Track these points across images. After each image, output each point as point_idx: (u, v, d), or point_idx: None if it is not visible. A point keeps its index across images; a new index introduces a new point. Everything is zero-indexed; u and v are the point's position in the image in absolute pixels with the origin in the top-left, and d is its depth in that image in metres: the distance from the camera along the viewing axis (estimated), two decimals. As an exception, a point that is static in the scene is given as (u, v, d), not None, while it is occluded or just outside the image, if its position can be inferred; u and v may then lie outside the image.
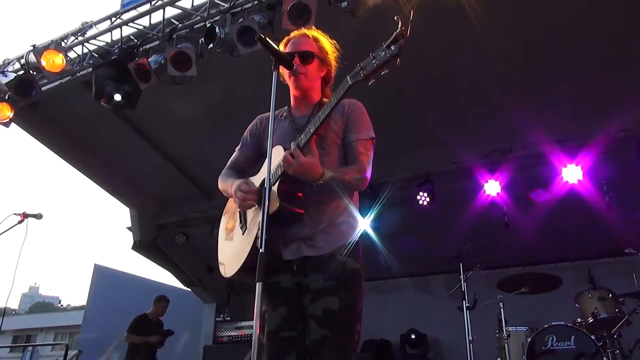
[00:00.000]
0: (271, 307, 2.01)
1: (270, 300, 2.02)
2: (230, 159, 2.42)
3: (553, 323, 4.58)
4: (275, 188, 1.97)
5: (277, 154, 2.01)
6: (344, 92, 1.87)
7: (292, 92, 2.26)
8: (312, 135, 1.93)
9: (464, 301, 4.82)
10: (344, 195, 2.09)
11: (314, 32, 2.29)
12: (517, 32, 4.65)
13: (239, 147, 2.40)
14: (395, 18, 1.71)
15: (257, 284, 1.60)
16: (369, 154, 2.13)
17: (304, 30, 2.30)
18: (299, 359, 1.96)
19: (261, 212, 1.75)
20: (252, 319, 1.60)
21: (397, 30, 1.71)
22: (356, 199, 2.19)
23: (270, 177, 1.92)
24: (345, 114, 2.16)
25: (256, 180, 2.20)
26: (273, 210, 1.90)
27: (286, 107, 2.31)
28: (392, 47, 1.72)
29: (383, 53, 1.74)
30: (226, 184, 2.26)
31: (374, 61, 1.76)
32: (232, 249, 2.17)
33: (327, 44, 2.28)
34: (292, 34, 2.30)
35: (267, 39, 1.93)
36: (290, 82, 2.20)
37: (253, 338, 1.55)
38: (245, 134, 2.40)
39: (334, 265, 1.98)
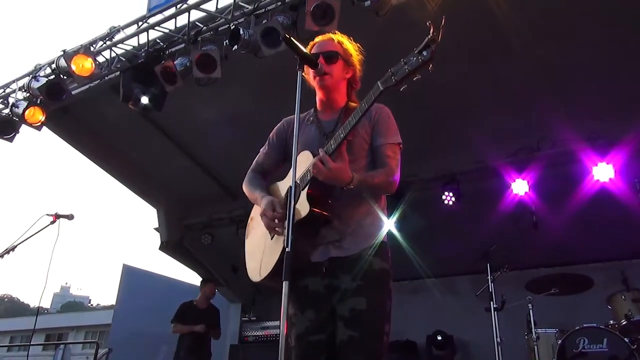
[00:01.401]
0: (300, 311, 2.01)
1: (298, 303, 2.02)
2: (255, 160, 2.41)
3: (585, 325, 4.47)
4: (304, 194, 1.96)
5: (304, 159, 2.01)
6: (375, 98, 1.86)
7: (318, 95, 2.26)
8: (342, 141, 1.92)
9: (491, 302, 4.74)
10: (372, 198, 2.08)
11: (338, 36, 2.30)
12: (545, 28, 4.55)
13: (264, 148, 2.39)
14: (428, 24, 1.69)
15: (283, 282, 1.61)
16: (397, 157, 2.12)
17: (329, 35, 2.32)
18: None
19: (287, 215, 1.75)
20: (278, 319, 1.60)
21: (429, 36, 1.68)
22: (384, 201, 2.18)
23: (299, 182, 1.91)
24: (373, 119, 2.16)
25: (283, 185, 2.21)
26: (303, 216, 1.91)
27: (312, 110, 2.30)
28: (424, 53, 1.70)
29: (415, 59, 1.72)
30: (253, 194, 2.25)
31: (405, 67, 1.74)
32: (261, 254, 2.17)
33: (351, 47, 2.28)
34: (317, 39, 2.31)
35: (292, 38, 1.93)
36: (315, 83, 2.20)
37: (280, 338, 1.55)
38: (271, 135, 2.39)
39: (361, 265, 1.97)
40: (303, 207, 1.93)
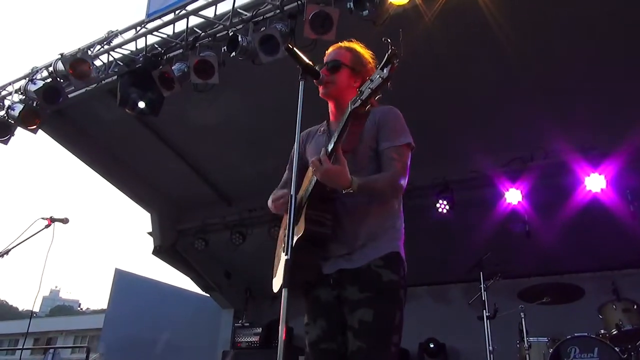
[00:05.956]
0: (312, 320, 2.08)
1: (311, 313, 2.09)
2: (282, 179, 2.44)
3: (576, 334, 4.51)
4: (304, 212, 1.97)
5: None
6: (346, 119, 1.81)
7: (329, 105, 2.28)
8: (338, 142, 1.87)
9: (484, 310, 4.77)
10: (383, 208, 2.07)
11: (349, 44, 2.29)
12: (539, 40, 4.61)
13: (288, 165, 2.43)
14: (383, 39, 1.67)
15: (283, 290, 1.62)
16: (403, 160, 2.07)
17: (340, 44, 2.31)
18: None
19: (288, 225, 1.76)
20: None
21: (388, 52, 1.64)
22: (399, 207, 2.15)
23: (305, 194, 1.96)
24: (377, 122, 2.13)
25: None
26: (300, 235, 1.92)
27: (325, 121, 2.32)
28: (384, 71, 1.65)
29: (378, 77, 1.67)
30: (276, 195, 2.24)
31: (370, 85, 1.70)
32: (279, 266, 2.22)
33: (364, 55, 2.26)
34: (330, 49, 2.31)
35: (294, 48, 1.95)
36: (320, 91, 2.21)
37: (279, 344, 1.57)
38: (292, 152, 2.40)
39: (369, 277, 1.98)
40: (300, 226, 1.95)
